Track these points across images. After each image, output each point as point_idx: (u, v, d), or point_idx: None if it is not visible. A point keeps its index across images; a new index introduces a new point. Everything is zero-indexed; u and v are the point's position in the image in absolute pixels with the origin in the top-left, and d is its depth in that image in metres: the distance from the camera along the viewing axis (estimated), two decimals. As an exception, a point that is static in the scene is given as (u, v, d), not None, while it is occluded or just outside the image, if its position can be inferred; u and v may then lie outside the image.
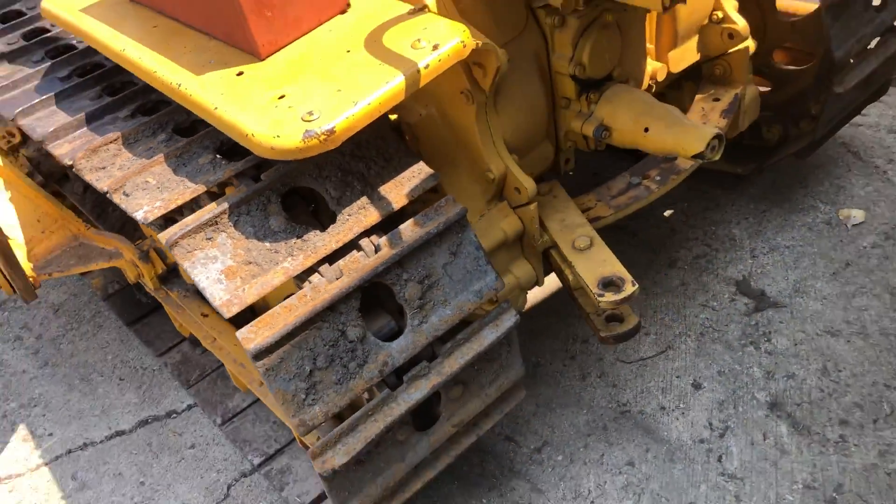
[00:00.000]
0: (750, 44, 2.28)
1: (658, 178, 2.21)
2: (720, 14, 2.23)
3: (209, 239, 1.59)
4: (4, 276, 2.50)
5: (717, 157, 1.80)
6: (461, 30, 1.59)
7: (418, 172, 1.69)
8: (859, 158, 2.95)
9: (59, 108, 2.04)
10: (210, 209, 1.61)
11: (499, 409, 1.94)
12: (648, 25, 2.11)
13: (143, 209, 1.65)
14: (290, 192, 1.68)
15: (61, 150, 1.89)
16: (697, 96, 2.33)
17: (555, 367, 2.47)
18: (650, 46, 2.15)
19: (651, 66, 2.15)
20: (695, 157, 1.78)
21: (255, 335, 1.53)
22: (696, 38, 2.23)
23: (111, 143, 1.85)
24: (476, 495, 2.18)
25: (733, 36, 2.24)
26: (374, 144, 1.71)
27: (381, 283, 1.61)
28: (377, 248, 1.61)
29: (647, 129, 1.86)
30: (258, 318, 1.55)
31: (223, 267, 1.56)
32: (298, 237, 1.60)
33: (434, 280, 1.66)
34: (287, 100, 1.55)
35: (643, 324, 2.50)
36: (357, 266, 1.59)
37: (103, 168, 1.79)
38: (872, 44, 2.44)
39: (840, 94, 2.35)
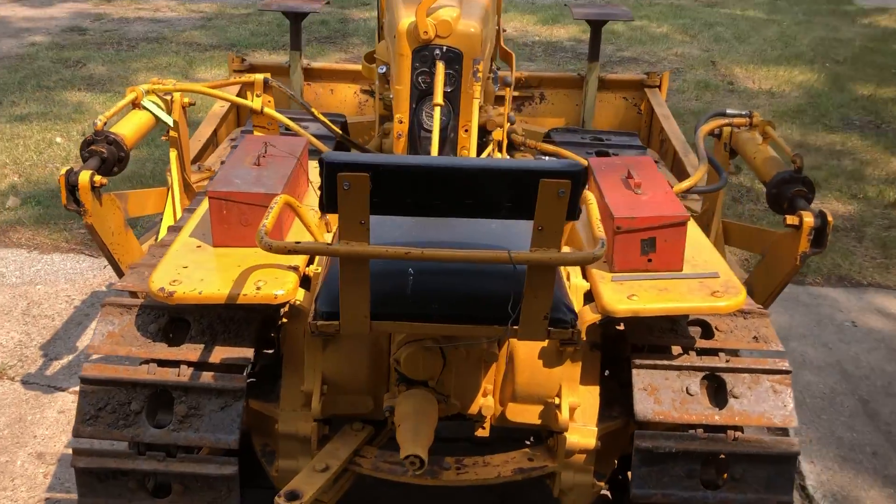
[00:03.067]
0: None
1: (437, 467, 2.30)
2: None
3: None
4: None
5: (416, 472, 2.05)
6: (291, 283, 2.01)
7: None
8: None
9: None
10: None
11: None
12: (494, 368, 2.24)
13: None
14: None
15: None
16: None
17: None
18: (489, 386, 2.25)
19: (486, 403, 2.25)
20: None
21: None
22: (541, 408, 2.27)
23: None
24: None
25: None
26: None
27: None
28: None
29: (398, 426, 2.08)
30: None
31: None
32: None
33: (198, 414, 2.10)
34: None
35: None
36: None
37: None
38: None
39: None
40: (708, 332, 2.30)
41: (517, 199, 1.64)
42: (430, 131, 2.63)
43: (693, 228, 2.42)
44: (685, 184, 2.68)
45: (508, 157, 3.10)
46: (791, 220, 2.53)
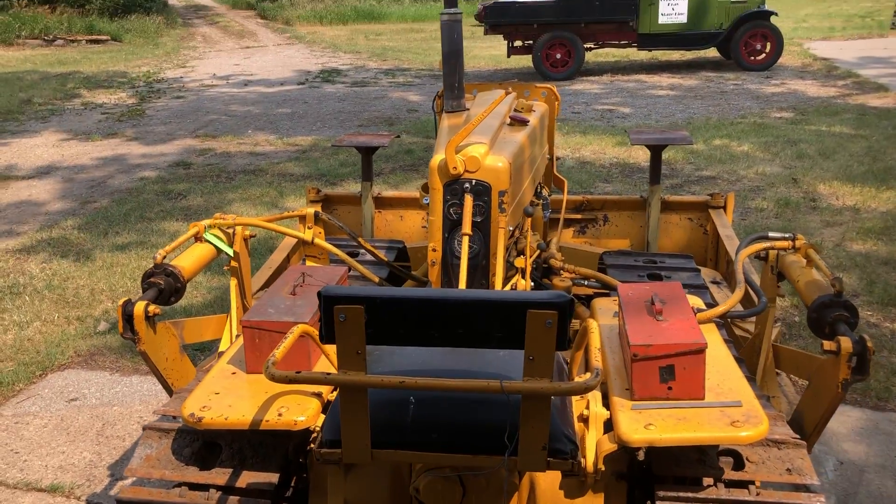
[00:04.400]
0: None
1: None
2: None
3: None
4: None
5: None
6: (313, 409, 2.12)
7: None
8: None
9: None
10: None
11: None
12: (516, 498, 2.25)
13: None
14: None
15: None
16: None
17: None
18: None
19: None
20: None
21: None
22: None
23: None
24: None
25: None
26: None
27: None
28: None
29: None
30: None
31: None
32: None
33: None
34: None
35: None
36: None
37: None
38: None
39: None
40: (739, 462, 2.23)
41: (507, 330, 1.69)
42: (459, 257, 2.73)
43: (722, 355, 2.39)
44: (720, 308, 2.66)
45: (540, 283, 3.15)
46: (829, 345, 2.46)
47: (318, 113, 11.71)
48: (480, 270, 2.68)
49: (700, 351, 2.13)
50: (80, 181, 8.50)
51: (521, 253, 2.94)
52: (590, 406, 2.21)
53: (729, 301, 2.71)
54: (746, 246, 3.05)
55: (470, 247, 2.70)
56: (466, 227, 2.63)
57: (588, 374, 1.75)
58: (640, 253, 4.04)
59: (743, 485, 2.17)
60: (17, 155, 9.65)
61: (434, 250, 2.78)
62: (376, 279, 3.18)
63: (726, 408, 2.12)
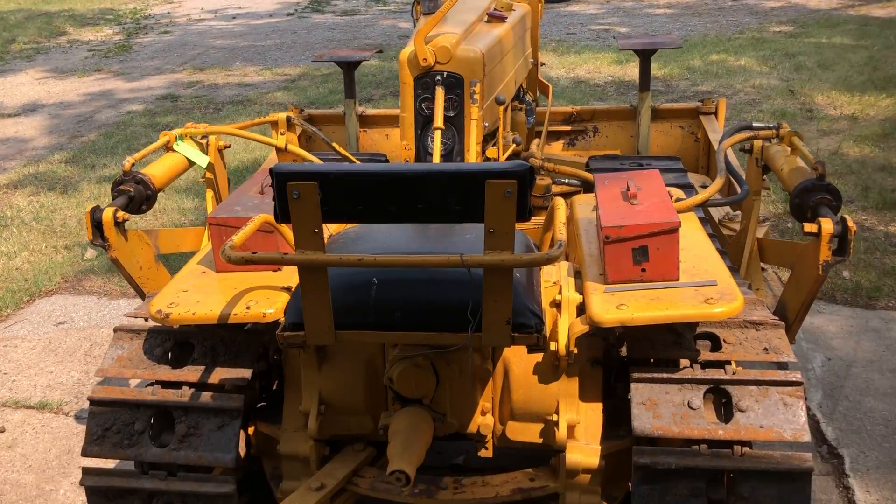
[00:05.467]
0: None
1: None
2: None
3: None
4: None
5: (403, 488, 2.00)
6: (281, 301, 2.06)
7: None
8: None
9: None
10: None
11: None
12: (491, 386, 2.21)
13: None
14: None
15: None
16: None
17: None
18: (486, 404, 2.23)
19: (484, 422, 2.23)
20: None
21: None
22: (541, 426, 2.23)
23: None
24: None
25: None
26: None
27: None
28: None
29: (389, 442, 2.08)
30: None
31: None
32: None
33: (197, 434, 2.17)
34: None
35: None
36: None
37: None
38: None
39: None
40: (716, 344, 2.21)
41: (466, 202, 1.63)
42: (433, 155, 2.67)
43: (699, 241, 2.34)
44: (699, 197, 2.60)
45: None
46: (809, 227, 2.40)
47: (306, 42, 11.48)
48: None
49: (673, 230, 2.08)
50: (66, 117, 8.38)
51: (494, 145, 2.88)
52: (562, 290, 2.17)
53: (708, 189, 2.65)
54: (730, 136, 2.98)
55: (443, 142, 2.63)
56: (438, 122, 2.56)
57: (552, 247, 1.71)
58: (626, 157, 3.96)
59: (719, 365, 2.14)
60: (2, 93, 9.50)
61: (406, 148, 2.72)
62: None
63: (701, 287, 2.08)
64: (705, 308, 1.98)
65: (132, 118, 8.12)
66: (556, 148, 4.60)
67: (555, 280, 2.21)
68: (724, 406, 2.11)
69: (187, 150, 3.08)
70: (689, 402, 2.08)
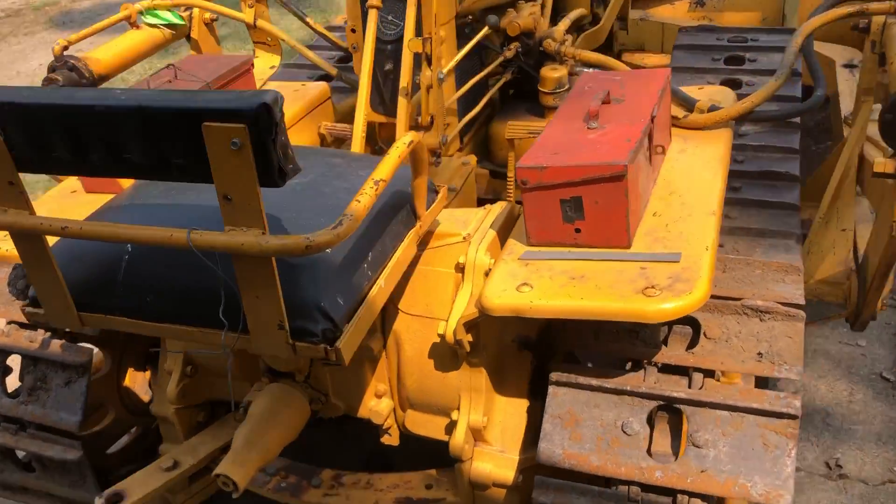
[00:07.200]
0: None
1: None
2: None
3: None
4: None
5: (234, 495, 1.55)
6: None
7: None
8: None
9: None
10: None
11: None
12: (386, 366, 1.73)
13: None
14: None
15: None
16: None
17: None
18: (382, 386, 1.74)
19: (378, 407, 1.75)
20: None
21: None
22: (446, 421, 1.69)
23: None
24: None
25: None
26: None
27: None
28: None
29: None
30: None
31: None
32: None
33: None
34: None
35: None
36: None
37: None
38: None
39: None
40: (695, 337, 1.54)
41: (190, 155, 1.08)
42: (386, 42, 2.04)
43: (705, 178, 1.63)
44: (739, 106, 1.81)
45: (531, 73, 2.35)
46: (881, 164, 1.60)
47: None
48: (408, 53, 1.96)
49: (618, 177, 1.40)
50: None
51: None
52: (467, 253, 1.57)
53: (756, 94, 1.84)
54: (826, 10, 2.09)
55: (389, 22, 2.01)
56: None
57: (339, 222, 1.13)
58: (727, 28, 3.04)
59: (683, 372, 1.48)
60: None
61: (353, 31, 2.11)
62: (333, 71, 2.54)
63: (654, 263, 1.40)
64: (638, 302, 1.32)
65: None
66: (681, 10, 3.71)
67: (467, 233, 1.60)
68: (677, 435, 1.47)
69: (158, 18, 2.62)
70: (623, 425, 1.46)
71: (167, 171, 1.11)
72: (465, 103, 2.20)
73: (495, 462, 1.63)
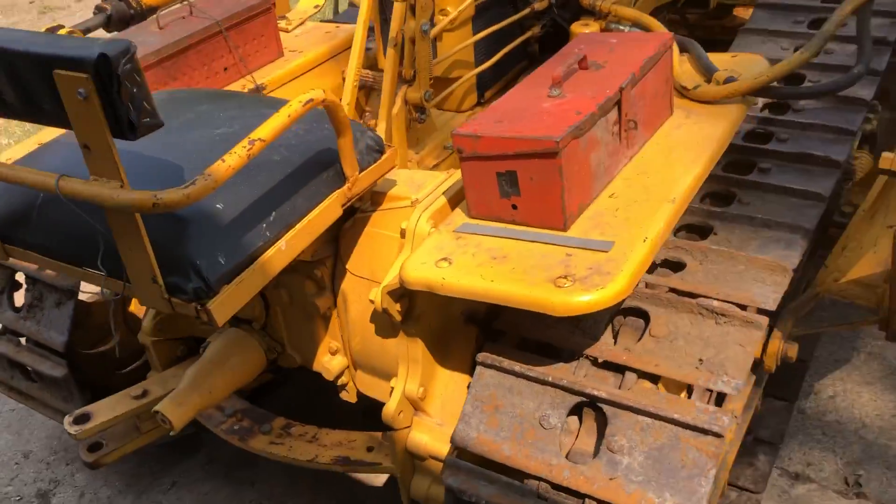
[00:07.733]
0: None
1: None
2: None
3: None
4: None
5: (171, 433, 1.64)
6: None
7: None
8: None
9: None
10: None
11: None
12: (338, 324, 1.70)
13: None
14: None
15: None
16: None
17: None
18: (335, 344, 1.72)
19: (331, 363, 1.73)
20: None
21: None
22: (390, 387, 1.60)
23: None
24: None
25: None
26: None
27: None
28: None
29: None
30: None
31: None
32: None
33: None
34: None
35: None
36: None
37: None
38: None
39: None
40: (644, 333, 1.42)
41: (53, 100, 1.07)
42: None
43: (687, 158, 1.49)
44: (755, 80, 1.62)
45: (562, 26, 2.18)
46: (887, 158, 1.40)
47: None
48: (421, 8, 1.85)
49: (550, 154, 1.28)
50: None
51: None
52: (409, 219, 1.50)
53: (771, 69, 1.63)
54: None
55: None
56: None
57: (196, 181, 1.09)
58: None
59: (618, 369, 1.37)
60: None
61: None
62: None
63: (583, 250, 1.29)
64: (545, 292, 1.22)
65: None
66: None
67: (416, 198, 1.53)
68: (599, 436, 1.37)
69: None
70: (542, 417, 1.37)
71: (40, 114, 1.11)
72: (488, 57, 2.09)
73: (432, 434, 1.58)
